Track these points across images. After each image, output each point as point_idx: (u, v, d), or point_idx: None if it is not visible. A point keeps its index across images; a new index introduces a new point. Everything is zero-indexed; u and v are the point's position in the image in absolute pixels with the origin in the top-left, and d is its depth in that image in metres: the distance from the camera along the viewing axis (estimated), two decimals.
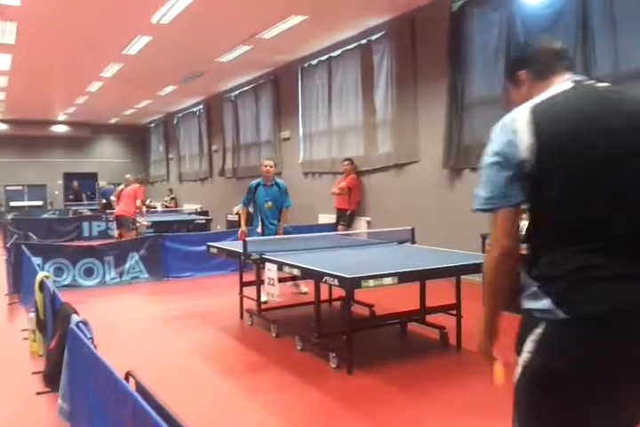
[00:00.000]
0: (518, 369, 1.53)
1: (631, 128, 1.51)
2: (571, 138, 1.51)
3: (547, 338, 1.46)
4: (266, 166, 6.80)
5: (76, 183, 19.99)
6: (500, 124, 1.62)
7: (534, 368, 1.48)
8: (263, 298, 5.69)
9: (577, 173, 1.49)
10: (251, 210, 7.10)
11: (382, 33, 9.05)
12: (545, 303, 1.46)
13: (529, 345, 1.49)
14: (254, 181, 6.91)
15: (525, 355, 1.51)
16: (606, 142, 1.50)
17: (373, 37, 9.26)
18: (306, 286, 6.86)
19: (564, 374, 1.43)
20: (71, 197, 20.13)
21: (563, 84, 1.66)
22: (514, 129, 1.55)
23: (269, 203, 6.75)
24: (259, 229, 6.84)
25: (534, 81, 1.74)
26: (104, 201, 16.66)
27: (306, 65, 11.32)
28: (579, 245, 1.47)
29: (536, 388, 1.48)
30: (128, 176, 14.08)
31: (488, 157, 1.61)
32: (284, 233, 6.75)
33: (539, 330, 1.47)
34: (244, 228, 6.83)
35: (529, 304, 1.53)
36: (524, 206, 1.59)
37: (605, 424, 1.45)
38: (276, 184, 6.88)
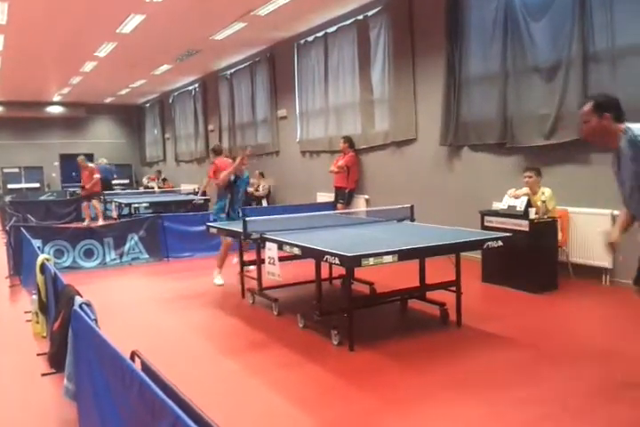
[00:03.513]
0: None
1: None
2: None
3: None
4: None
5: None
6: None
7: None
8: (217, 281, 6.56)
9: None
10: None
11: (379, 8, 8.92)
12: None
13: None
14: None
15: None
16: None
17: (370, 13, 9.13)
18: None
19: None
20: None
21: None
22: None
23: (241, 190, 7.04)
24: (223, 214, 6.82)
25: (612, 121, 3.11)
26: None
27: (302, 42, 11.18)
28: None
29: None
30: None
31: None
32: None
33: None
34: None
35: None
36: None
37: None
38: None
